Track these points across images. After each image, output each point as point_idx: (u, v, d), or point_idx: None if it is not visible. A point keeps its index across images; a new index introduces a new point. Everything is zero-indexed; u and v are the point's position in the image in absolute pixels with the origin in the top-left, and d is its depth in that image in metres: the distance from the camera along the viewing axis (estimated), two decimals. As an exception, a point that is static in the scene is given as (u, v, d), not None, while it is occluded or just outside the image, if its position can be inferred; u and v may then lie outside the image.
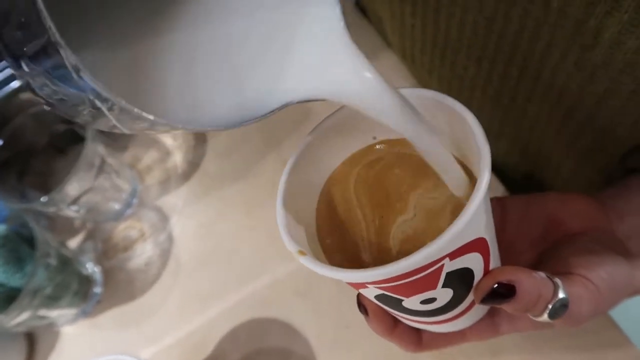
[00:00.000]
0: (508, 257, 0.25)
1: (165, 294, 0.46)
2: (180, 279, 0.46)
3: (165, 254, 0.48)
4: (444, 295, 0.20)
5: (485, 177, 0.18)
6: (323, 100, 0.18)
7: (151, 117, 0.15)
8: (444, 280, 0.19)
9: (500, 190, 0.42)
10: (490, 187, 0.18)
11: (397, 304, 0.21)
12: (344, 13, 0.18)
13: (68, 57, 0.13)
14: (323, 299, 0.42)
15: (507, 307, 0.21)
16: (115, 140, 0.55)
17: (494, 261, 0.22)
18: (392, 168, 0.23)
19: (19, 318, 0.40)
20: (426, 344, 0.27)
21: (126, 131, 0.17)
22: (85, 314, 0.47)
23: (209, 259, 0.47)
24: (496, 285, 0.20)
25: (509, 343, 0.36)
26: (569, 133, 0.35)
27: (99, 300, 0.48)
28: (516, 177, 0.45)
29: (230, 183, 0.50)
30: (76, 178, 0.42)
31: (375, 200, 0.22)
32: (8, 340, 0.45)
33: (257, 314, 0.42)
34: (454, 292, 0.21)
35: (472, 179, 0.21)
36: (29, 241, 0.43)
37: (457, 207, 0.20)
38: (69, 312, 0.46)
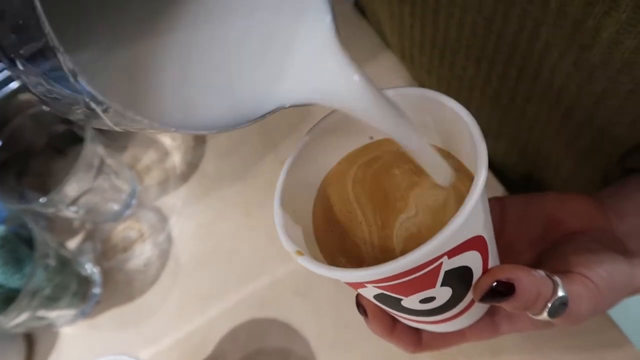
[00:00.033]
0: (507, 257, 0.25)
1: (164, 294, 0.46)
2: (180, 280, 0.46)
3: (164, 255, 0.48)
4: (443, 294, 0.20)
5: (482, 174, 0.18)
6: (313, 105, 0.19)
7: (146, 121, 0.16)
8: (443, 278, 0.19)
9: (499, 191, 0.42)
10: (488, 186, 0.18)
11: (396, 304, 0.21)
12: (336, 20, 0.18)
13: (66, 62, 0.13)
14: (323, 299, 0.42)
15: (506, 305, 0.21)
16: (115, 141, 0.55)
17: (493, 260, 0.22)
18: (390, 167, 0.23)
19: (18, 319, 0.40)
20: (426, 345, 0.27)
21: (120, 130, 0.17)
22: (84, 315, 0.47)
23: (208, 260, 0.47)
24: (495, 283, 0.20)
25: (509, 343, 0.36)
26: (567, 133, 0.35)
27: (98, 300, 0.48)
28: (515, 177, 0.45)
29: (229, 184, 0.50)
30: (75, 179, 0.42)
31: (375, 200, 0.22)
32: (7, 341, 0.45)
33: (257, 314, 0.42)
34: (453, 291, 0.21)
35: (469, 177, 0.21)
36: (28, 242, 0.42)
37: (459, 200, 0.20)
38: (68, 312, 0.46)
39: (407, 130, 0.20)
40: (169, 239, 0.49)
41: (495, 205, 0.28)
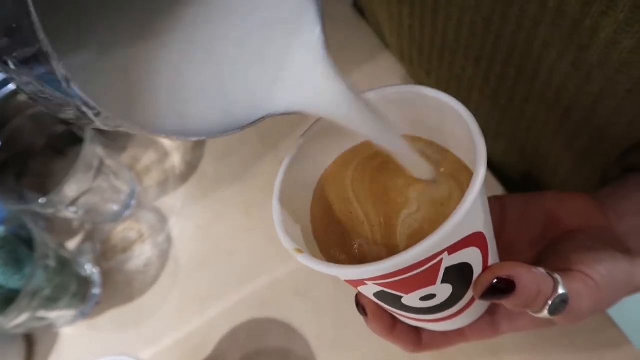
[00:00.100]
0: (507, 256, 0.25)
1: (164, 294, 0.46)
2: (179, 280, 0.46)
3: (164, 255, 0.48)
4: (443, 291, 0.20)
5: (481, 169, 0.18)
6: (301, 114, 0.19)
7: (137, 128, 0.16)
8: (443, 275, 0.19)
9: (498, 190, 0.42)
10: (487, 185, 0.18)
11: (397, 301, 0.21)
12: (326, 30, 0.19)
13: (59, 68, 0.13)
14: (322, 299, 0.42)
15: (507, 303, 0.21)
16: (114, 142, 0.55)
17: (493, 258, 0.22)
18: (389, 164, 0.23)
19: (18, 319, 0.40)
20: (426, 344, 0.27)
21: (110, 129, 0.17)
22: (84, 315, 0.47)
23: (208, 260, 0.47)
24: (495, 280, 0.20)
25: (509, 343, 0.36)
26: (566, 133, 0.35)
27: (98, 301, 0.47)
28: (514, 177, 0.45)
29: (228, 184, 0.50)
30: (74, 179, 0.42)
31: (375, 198, 0.22)
32: (7, 341, 0.45)
33: (257, 314, 0.42)
34: (453, 288, 0.21)
35: (469, 174, 0.21)
36: (28, 243, 0.42)
37: (460, 196, 0.20)
38: (68, 313, 0.45)
39: (389, 136, 0.20)
40: (169, 240, 0.49)
41: (495, 205, 0.28)
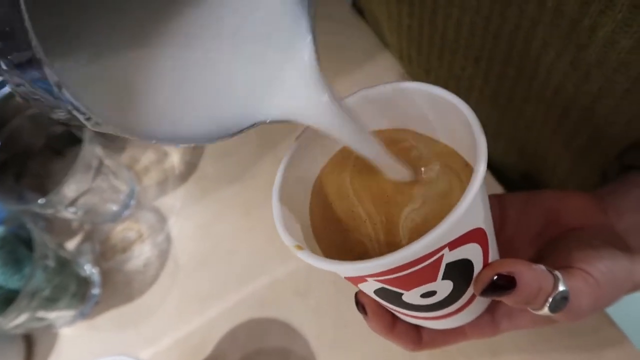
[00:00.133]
0: (507, 253, 0.25)
1: (163, 294, 0.46)
2: (179, 280, 0.46)
3: (163, 255, 0.48)
4: (444, 288, 0.20)
5: (481, 165, 0.18)
6: (291, 122, 0.20)
7: (128, 134, 0.16)
8: (444, 271, 0.19)
9: (498, 190, 0.42)
10: (486, 184, 0.18)
11: (397, 298, 0.21)
12: (316, 43, 0.19)
13: (51, 76, 0.13)
14: (322, 299, 0.42)
15: (507, 299, 0.21)
16: (113, 142, 0.55)
17: (493, 254, 0.22)
18: None
19: (17, 320, 0.40)
20: (426, 343, 0.27)
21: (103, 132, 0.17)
22: (83, 316, 0.47)
23: (207, 260, 0.47)
24: (496, 277, 0.20)
25: (509, 342, 0.36)
26: (565, 132, 0.35)
27: (97, 301, 0.47)
28: (514, 177, 0.45)
29: (228, 184, 0.50)
30: (74, 180, 0.42)
31: (376, 195, 0.22)
32: (6, 342, 0.45)
33: (257, 314, 0.42)
34: (454, 285, 0.21)
35: (469, 170, 0.21)
36: (27, 243, 0.42)
37: (460, 192, 0.20)
38: (67, 313, 0.45)
39: (371, 144, 0.21)
40: (168, 240, 0.49)
41: (495, 203, 0.28)
